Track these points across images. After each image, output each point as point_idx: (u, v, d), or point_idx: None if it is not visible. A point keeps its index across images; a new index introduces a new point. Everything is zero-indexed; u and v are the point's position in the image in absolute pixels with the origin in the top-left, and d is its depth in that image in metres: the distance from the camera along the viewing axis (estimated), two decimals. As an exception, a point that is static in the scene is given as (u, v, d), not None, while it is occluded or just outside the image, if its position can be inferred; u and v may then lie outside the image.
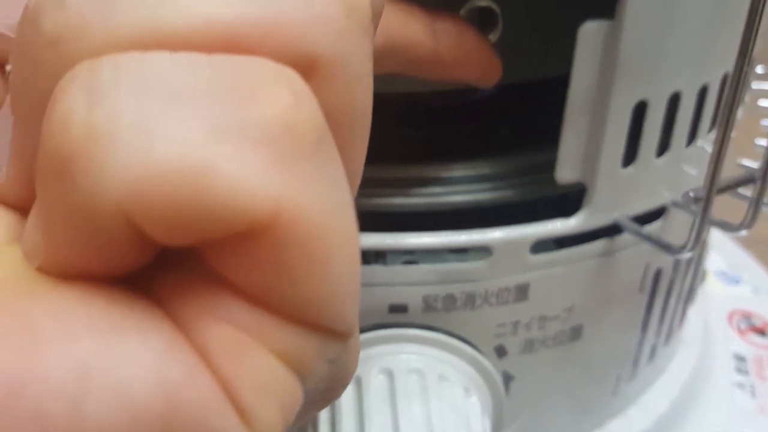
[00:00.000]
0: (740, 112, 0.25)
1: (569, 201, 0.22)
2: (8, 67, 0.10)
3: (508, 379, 0.24)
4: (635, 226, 0.22)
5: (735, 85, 0.19)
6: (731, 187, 0.23)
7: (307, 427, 0.21)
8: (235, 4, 0.09)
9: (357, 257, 0.10)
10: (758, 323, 0.36)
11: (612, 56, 0.19)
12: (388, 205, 0.23)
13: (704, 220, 0.21)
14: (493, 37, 0.23)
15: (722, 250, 0.42)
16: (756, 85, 0.29)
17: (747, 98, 0.27)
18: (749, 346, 0.35)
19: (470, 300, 0.22)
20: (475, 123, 0.27)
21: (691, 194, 0.23)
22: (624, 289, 0.25)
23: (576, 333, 0.24)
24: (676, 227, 0.24)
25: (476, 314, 0.22)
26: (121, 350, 0.08)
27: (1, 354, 0.08)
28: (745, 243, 0.42)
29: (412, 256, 0.22)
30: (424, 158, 0.24)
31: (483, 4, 0.22)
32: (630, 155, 0.21)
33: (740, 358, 0.34)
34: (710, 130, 0.24)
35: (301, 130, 0.09)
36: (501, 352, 0.23)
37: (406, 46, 0.19)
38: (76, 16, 0.09)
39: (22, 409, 0.08)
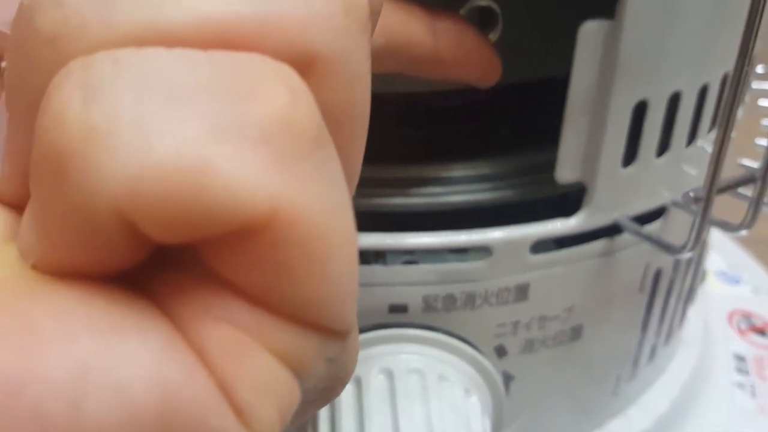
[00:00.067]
0: (740, 112, 0.25)
1: (569, 201, 0.22)
2: (3, 64, 0.10)
3: (508, 379, 0.24)
4: (635, 226, 0.22)
5: (735, 84, 0.19)
6: (731, 187, 0.23)
7: (307, 427, 0.21)
8: (233, 2, 0.09)
9: (356, 256, 0.10)
10: (758, 323, 0.36)
11: (612, 56, 0.19)
12: (388, 205, 0.23)
13: (704, 220, 0.21)
14: (493, 36, 0.23)
15: (722, 250, 0.42)
16: (756, 84, 0.29)
17: (747, 98, 0.27)
18: (749, 346, 0.35)
19: (470, 300, 0.22)
20: (475, 123, 0.27)
21: (691, 194, 0.23)
22: (624, 289, 0.25)
23: (576, 333, 0.24)
24: (676, 227, 0.24)
25: (476, 314, 0.22)
26: (120, 350, 0.08)
27: (0, 354, 0.08)
28: (745, 243, 0.42)
29: (412, 256, 0.22)
30: (424, 158, 0.24)
31: (483, 3, 0.22)
32: (630, 155, 0.21)
33: (740, 358, 0.34)
34: (710, 130, 0.24)
35: (300, 127, 0.09)
36: (501, 352, 0.23)
37: (406, 45, 0.19)
38: (74, 13, 0.09)
39: (22, 409, 0.08)
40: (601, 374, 0.27)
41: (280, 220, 0.08)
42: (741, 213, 0.22)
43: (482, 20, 0.22)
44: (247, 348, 0.09)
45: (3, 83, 0.10)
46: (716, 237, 0.41)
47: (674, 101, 0.21)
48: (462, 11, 0.22)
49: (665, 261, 0.25)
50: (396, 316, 0.22)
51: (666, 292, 0.27)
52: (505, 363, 0.24)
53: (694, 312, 0.33)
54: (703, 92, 0.22)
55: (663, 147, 0.22)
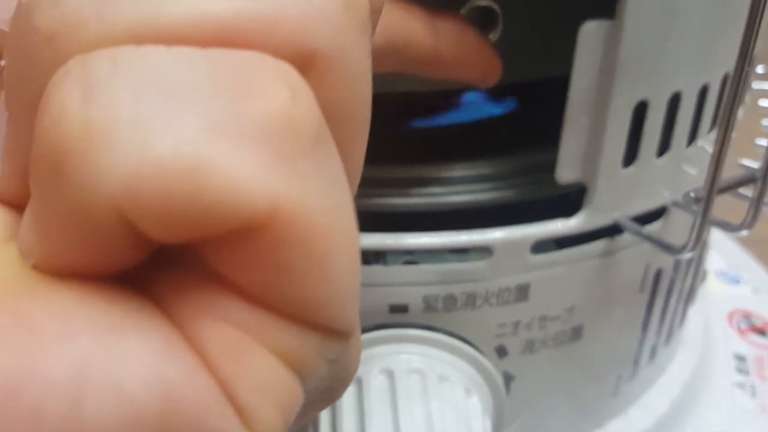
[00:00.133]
0: (740, 112, 0.25)
1: (570, 201, 0.22)
2: (2, 62, 0.10)
3: (508, 379, 0.24)
4: (636, 226, 0.22)
5: (735, 85, 0.19)
6: (732, 187, 0.23)
7: (308, 428, 0.21)
8: None
9: (357, 255, 0.10)
10: (758, 323, 0.36)
11: (612, 56, 0.19)
12: (388, 205, 0.23)
13: (705, 220, 0.21)
14: (493, 36, 0.23)
15: (722, 250, 0.42)
16: (756, 85, 0.29)
17: (747, 98, 0.27)
18: (749, 346, 0.35)
19: (471, 300, 0.22)
20: (475, 123, 0.27)
21: (692, 194, 0.23)
22: (624, 290, 0.25)
23: (576, 333, 0.24)
24: (676, 227, 0.24)
25: (477, 314, 0.22)
26: (120, 350, 0.08)
27: (0, 354, 0.08)
28: (745, 243, 0.42)
29: (412, 256, 0.22)
30: (424, 158, 0.24)
31: (483, 3, 0.22)
32: (630, 155, 0.21)
33: (740, 358, 0.34)
34: (710, 130, 0.24)
35: (300, 126, 0.09)
36: (501, 352, 0.23)
37: (407, 44, 0.19)
38: (72, 11, 0.09)
39: (21, 409, 0.08)
40: (602, 374, 0.27)
41: (280, 219, 0.08)
42: (741, 213, 0.22)
43: (482, 20, 0.22)
44: (247, 348, 0.09)
45: (2, 82, 0.10)
46: (716, 237, 0.41)
47: (674, 101, 0.21)
48: (462, 11, 0.22)
49: (666, 261, 0.25)
50: (396, 316, 0.22)
51: (666, 292, 0.27)
52: (506, 363, 0.24)
53: (694, 312, 0.33)
54: (704, 92, 0.22)
55: (663, 147, 0.22)
